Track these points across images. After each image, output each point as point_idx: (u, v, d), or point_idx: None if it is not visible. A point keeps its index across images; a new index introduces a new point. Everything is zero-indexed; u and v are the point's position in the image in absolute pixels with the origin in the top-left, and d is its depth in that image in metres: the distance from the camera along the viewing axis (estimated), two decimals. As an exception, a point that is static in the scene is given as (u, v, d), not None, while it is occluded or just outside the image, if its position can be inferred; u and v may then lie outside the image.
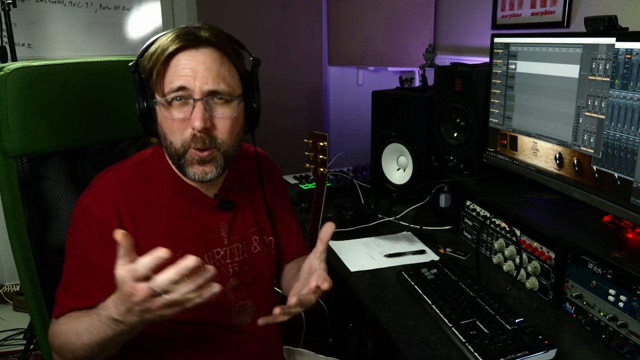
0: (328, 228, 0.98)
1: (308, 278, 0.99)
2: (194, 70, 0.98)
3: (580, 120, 1.30)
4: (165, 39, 1.00)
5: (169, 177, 1.09)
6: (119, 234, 0.78)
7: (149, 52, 1.02)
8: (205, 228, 1.11)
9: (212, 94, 0.99)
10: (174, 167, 1.08)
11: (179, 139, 1.00)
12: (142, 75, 1.02)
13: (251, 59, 1.08)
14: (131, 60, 1.02)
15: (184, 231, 1.07)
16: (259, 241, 1.20)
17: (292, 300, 0.93)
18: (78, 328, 0.93)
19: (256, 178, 1.23)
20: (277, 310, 0.93)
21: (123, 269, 0.79)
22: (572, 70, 1.31)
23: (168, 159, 1.07)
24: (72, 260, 1.03)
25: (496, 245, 1.54)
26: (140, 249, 1.00)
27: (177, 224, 1.07)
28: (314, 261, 1.01)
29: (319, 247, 1.01)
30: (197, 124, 0.97)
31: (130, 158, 1.12)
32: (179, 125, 1.00)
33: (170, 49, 0.98)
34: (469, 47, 2.23)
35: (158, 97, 1.01)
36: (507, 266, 1.48)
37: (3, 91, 1.02)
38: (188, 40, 0.99)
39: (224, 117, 1.02)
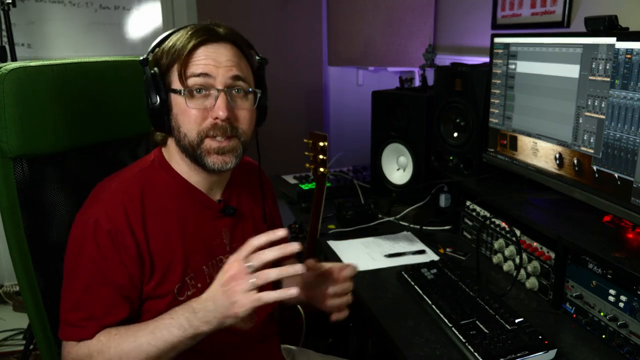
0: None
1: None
2: (216, 60, 1.00)
3: (580, 120, 1.30)
4: (183, 35, 1.01)
5: (173, 182, 1.08)
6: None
7: (165, 48, 1.02)
8: (209, 235, 1.10)
9: (234, 79, 1.02)
10: (185, 164, 1.07)
11: (194, 130, 1.01)
12: (155, 70, 1.02)
13: (257, 58, 1.11)
14: (131, 60, 1.03)
15: (190, 239, 1.07)
16: None
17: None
18: (136, 337, 0.95)
19: (254, 187, 1.24)
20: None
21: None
22: (572, 70, 1.31)
23: (181, 153, 1.06)
24: (84, 276, 0.98)
25: (496, 245, 1.54)
26: (152, 258, 1.01)
27: (184, 231, 1.06)
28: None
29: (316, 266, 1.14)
30: (222, 113, 0.99)
31: (131, 167, 1.10)
32: (196, 115, 1.00)
33: (192, 42, 0.99)
34: (469, 47, 2.22)
35: (177, 87, 1.01)
36: (507, 266, 1.48)
37: (1, 91, 1.02)
38: (208, 34, 1.01)
39: (244, 109, 1.05)
